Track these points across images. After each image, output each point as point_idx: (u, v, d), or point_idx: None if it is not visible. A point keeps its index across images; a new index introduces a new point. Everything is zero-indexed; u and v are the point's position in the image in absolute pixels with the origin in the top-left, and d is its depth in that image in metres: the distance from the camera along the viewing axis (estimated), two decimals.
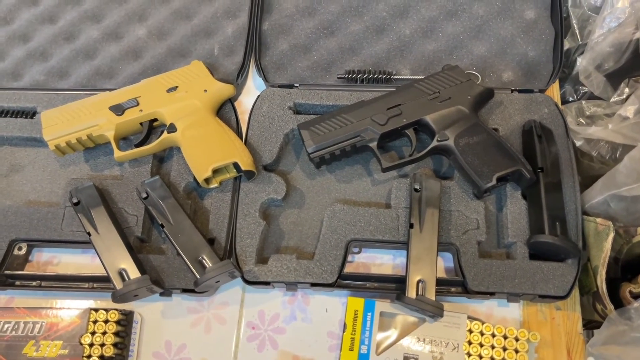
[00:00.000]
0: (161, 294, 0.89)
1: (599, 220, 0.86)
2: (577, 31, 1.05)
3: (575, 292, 0.89)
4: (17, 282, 0.92)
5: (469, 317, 0.86)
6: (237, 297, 0.93)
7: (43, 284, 0.91)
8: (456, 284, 0.89)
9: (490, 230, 0.92)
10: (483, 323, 0.86)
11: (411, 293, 0.83)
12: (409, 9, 1.08)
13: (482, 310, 0.90)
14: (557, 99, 1.03)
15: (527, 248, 0.88)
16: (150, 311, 0.92)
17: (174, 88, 0.98)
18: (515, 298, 0.87)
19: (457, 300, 0.90)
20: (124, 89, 0.99)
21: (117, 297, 0.83)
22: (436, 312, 0.82)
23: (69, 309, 0.89)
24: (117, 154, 0.95)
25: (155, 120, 0.98)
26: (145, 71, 1.07)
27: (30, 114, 1.03)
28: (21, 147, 1.03)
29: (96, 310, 0.88)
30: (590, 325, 0.93)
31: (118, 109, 0.96)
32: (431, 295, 0.83)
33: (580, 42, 1.05)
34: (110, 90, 1.01)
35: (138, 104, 0.97)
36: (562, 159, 0.93)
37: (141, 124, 0.98)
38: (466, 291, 0.88)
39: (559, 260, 0.87)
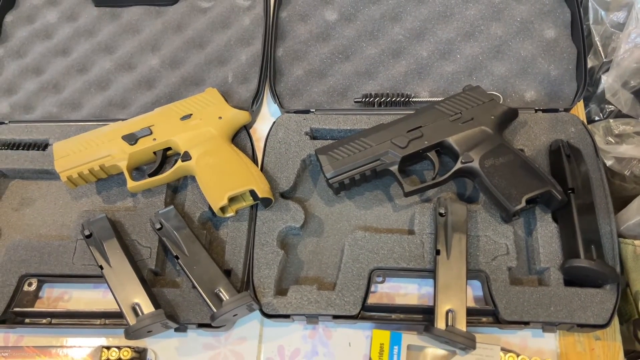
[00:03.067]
0: (176, 330, 0.85)
1: (637, 242, 0.82)
2: (600, 48, 1.02)
3: (615, 321, 0.84)
4: (27, 320, 0.89)
5: (503, 349, 0.82)
6: (255, 331, 0.88)
7: (53, 321, 0.88)
8: (487, 314, 0.84)
9: (520, 255, 0.87)
10: (518, 355, 0.81)
11: (440, 324, 0.78)
12: (425, 32, 1.06)
13: (516, 342, 0.84)
14: (583, 118, 0.99)
15: (561, 274, 0.83)
16: (164, 348, 0.87)
17: (188, 116, 0.96)
18: (551, 328, 0.82)
19: (489, 331, 0.85)
20: (137, 118, 0.97)
21: (130, 334, 0.79)
22: (468, 343, 0.77)
23: (80, 347, 0.86)
24: (130, 184, 0.92)
25: (169, 149, 0.96)
26: (158, 101, 1.05)
27: (42, 146, 1.02)
28: (32, 180, 1.01)
29: (108, 348, 0.85)
30: (631, 355, 0.87)
31: (131, 138, 0.94)
32: (462, 325, 0.78)
33: (605, 60, 1.02)
34: (123, 120, 0.99)
35: (151, 133, 0.95)
36: (593, 179, 0.89)
37: (155, 153, 0.95)
38: (498, 321, 0.83)
39: (596, 286, 0.82)
